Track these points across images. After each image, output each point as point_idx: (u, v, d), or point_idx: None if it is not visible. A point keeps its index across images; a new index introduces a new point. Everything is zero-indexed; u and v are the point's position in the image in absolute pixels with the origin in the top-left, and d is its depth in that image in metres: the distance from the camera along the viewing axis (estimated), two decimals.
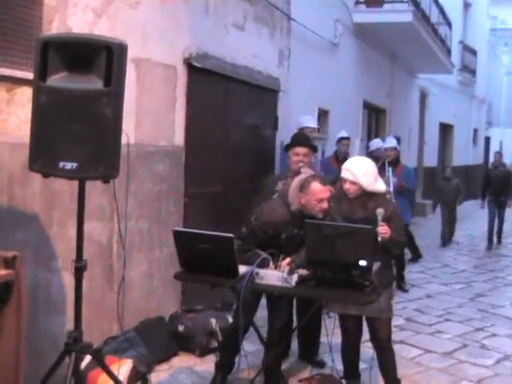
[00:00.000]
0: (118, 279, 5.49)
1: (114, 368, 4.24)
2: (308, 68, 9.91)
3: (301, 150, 6.04)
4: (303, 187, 4.84)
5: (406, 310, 8.06)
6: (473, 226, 16.36)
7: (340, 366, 5.12)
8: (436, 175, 20.62)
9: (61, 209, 4.83)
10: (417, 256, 11.61)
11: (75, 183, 3.77)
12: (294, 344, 5.96)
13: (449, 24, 17.84)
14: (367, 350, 5.23)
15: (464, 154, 25.07)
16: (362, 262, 4.06)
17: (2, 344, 3.66)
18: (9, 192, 4.43)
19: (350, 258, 4.12)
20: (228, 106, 7.45)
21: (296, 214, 4.88)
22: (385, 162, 9.02)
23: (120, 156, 3.55)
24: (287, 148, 6.30)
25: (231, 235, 4.26)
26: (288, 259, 4.54)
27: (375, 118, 15.29)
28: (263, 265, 4.48)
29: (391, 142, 9.75)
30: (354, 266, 4.10)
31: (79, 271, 3.71)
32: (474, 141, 27.64)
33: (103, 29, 5.14)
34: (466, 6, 24.37)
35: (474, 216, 14.91)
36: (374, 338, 4.90)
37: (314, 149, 6.35)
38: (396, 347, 4.98)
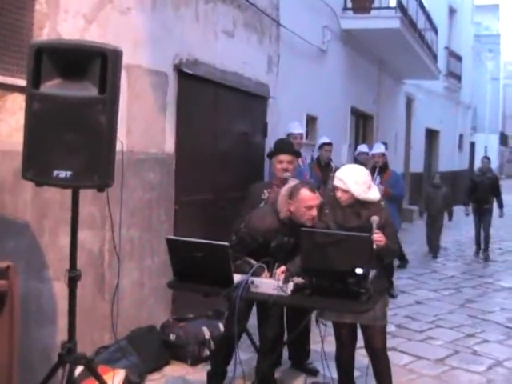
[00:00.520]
0: (110, 288, 5.45)
1: (108, 378, 4.19)
2: (296, 74, 9.90)
3: (285, 157, 6.00)
4: (292, 194, 4.81)
5: (396, 316, 8.03)
6: (460, 232, 16.38)
7: (334, 374, 5.09)
8: (422, 181, 20.68)
9: (52, 218, 4.78)
10: (404, 262, 11.61)
11: (67, 192, 3.73)
12: (285, 353, 5.92)
13: (435, 30, 17.90)
14: (361, 358, 5.20)
15: (450, 160, 25.17)
16: (359, 270, 4.02)
17: None
18: None
19: (346, 266, 4.08)
20: (218, 113, 7.41)
21: (285, 222, 4.86)
22: (375, 168, 9.02)
23: (115, 164, 3.50)
24: (271, 156, 6.27)
25: (226, 244, 4.21)
26: (283, 267, 4.50)
27: (363, 124, 15.29)
28: (258, 273, 4.44)
29: (379, 148, 9.72)
30: (350, 274, 4.06)
31: (73, 281, 3.66)
32: (460, 146, 27.76)
33: (94, 35, 5.10)
34: (451, 12, 24.53)
35: (460, 222, 14.92)
36: (368, 346, 4.87)
37: (297, 155, 6.32)
38: (388, 354, 4.96)
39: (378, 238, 4.40)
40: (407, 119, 19.63)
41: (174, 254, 4.39)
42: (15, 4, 4.48)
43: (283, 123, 8.73)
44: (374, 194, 4.71)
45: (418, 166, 20.96)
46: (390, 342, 6.55)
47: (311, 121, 11.04)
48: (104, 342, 5.47)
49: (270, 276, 4.46)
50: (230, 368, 5.11)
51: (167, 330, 6.06)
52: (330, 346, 5.01)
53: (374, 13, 13.15)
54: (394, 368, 5.16)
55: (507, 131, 54.52)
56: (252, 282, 4.27)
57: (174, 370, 5.79)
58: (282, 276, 4.38)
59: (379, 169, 9.14)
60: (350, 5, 12.76)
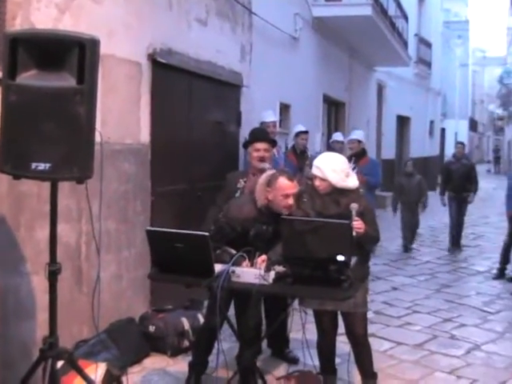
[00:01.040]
0: (87, 281, 5.40)
1: (90, 371, 4.14)
2: (269, 63, 9.85)
3: (261, 145, 5.97)
4: (270, 182, 4.79)
5: (374, 302, 8.05)
6: (433, 218, 16.48)
7: (316, 362, 5.10)
8: (395, 168, 20.76)
9: (28, 211, 4.70)
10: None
11: (44, 185, 3.67)
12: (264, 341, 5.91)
13: (405, 17, 17.95)
14: (342, 345, 5.22)
15: (421, 146, 25.29)
16: (340, 257, 4.02)
17: None
18: None
19: (327, 254, 4.08)
20: (192, 102, 7.36)
21: (263, 210, 4.85)
22: (351, 156, 9.00)
23: (94, 156, 3.45)
24: (246, 145, 6.24)
25: (206, 233, 4.18)
26: (264, 256, 4.49)
27: (335, 112, 15.31)
28: (238, 263, 4.42)
29: (354, 134, 9.71)
30: (332, 261, 4.06)
31: (53, 275, 3.60)
32: (431, 132, 27.92)
33: (67, 24, 5.01)
34: None
35: (434, 208, 14.99)
36: (349, 333, 4.89)
37: (273, 143, 6.30)
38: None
39: (358, 225, 4.41)
40: (378, 106, 19.70)
41: (154, 245, 4.33)
42: None
43: (257, 112, 8.70)
44: (352, 181, 4.72)
45: (389, 152, 21.03)
46: (369, 329, 6.59)
47: (284, 109, 11.02)
48: (83, 335, 5.41)
49: (251, 265, 4.44)
50: (211, 358, 5.10)
51: (146, 321, 6.03)
52: (311, 334, 5.02)
53: (345, 0, 13.12)
54: (375, 354, 5.19)
55: (476, 117, 55.08)
56: (233, 272, 4.25)
57: (154, 361, 5.76)
58: (263, 265, 4.36)
59: (354, 156, 9.13)
60: None
